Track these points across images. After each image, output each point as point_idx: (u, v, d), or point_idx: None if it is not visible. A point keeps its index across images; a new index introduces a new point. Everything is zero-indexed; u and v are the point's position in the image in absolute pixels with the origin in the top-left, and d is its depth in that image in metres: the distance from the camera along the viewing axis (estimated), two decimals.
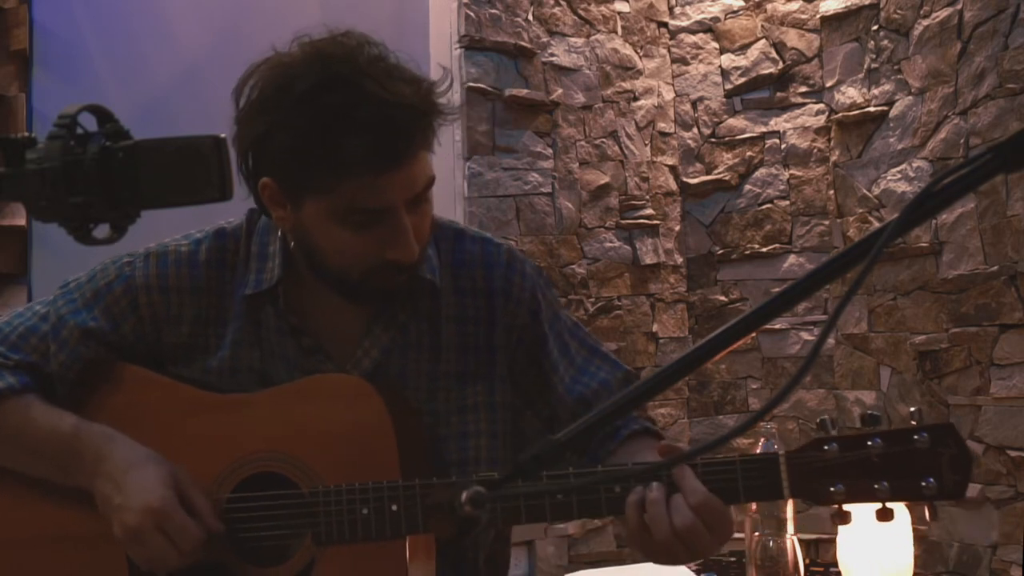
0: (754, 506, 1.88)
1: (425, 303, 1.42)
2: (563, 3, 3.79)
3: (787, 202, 3.98)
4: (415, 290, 1.41)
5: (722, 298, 4.04)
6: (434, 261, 1.43)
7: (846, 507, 1.17)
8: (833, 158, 3.87)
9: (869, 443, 1.15)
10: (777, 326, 3.89)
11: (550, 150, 3.70)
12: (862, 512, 1.19)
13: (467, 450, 1.41)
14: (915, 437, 1.14)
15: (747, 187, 4.03)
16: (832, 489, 1.16)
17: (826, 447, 1.17)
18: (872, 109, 3.70)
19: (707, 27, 4.10)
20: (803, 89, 3.95)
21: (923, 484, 1.14)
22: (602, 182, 3.84)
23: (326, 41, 1.28)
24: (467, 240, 1.47)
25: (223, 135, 0.83)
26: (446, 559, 1.36)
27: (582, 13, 3.84)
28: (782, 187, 3.98)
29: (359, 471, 1.29)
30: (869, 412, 1.19)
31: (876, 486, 1.15)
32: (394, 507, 1.27)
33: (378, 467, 1.29)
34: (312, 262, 1.35)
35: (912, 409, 1.19)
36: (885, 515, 1.16)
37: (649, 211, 3.96)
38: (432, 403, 1.41)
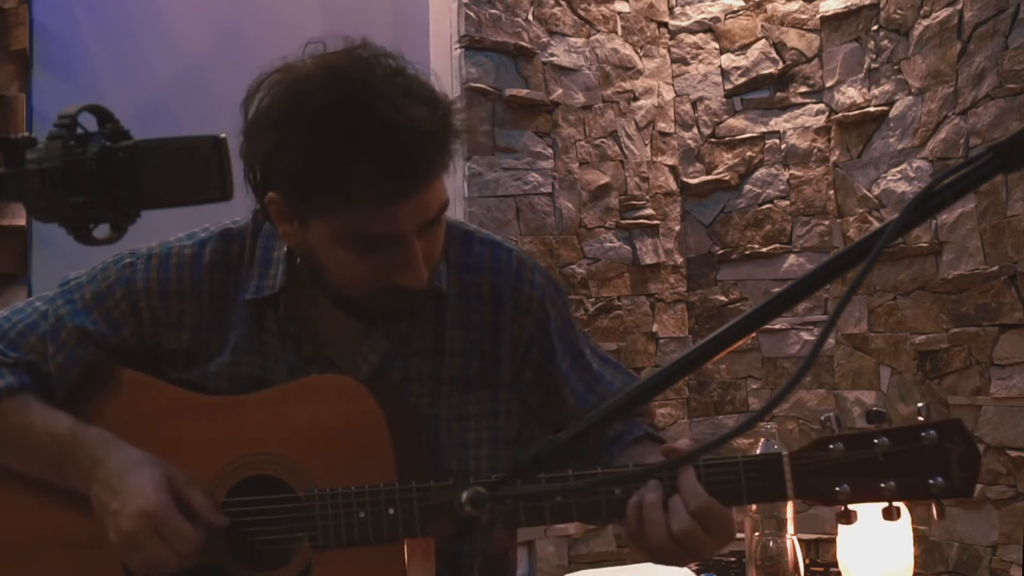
0: (754, 506, 1.87)
1: (430, 308, 1.38)
2: (563, 3, 3.78)
3: (787, 202, 3.98)
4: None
5: (722, 298, 4.04)
6: (441, 266, 1.38)
7: (851, 507, 1.14)
8: (833, 158, 3.87)
9: (875, 441, 1.12)
10: (777, 326, 3.89)
11: (550, 150, 3.70)
12: (865, 511, 1.17)
13: (467, 460, 1.39)
14: (922, 434, 1.11)
15: (747, 187, 4.03)
16: (837, 489, 1.13)
17: (831, 446, 1.13)
18: (872, 109, 3.70)
19: (707, 27, 4.10)
20: (803, 89, 3.95)
21: (931, 482, 1.10)
22: (602, 182, 3.84)
23: (341, 55, 1.21)
24: (476, 243, 1.43)
25: (223, 135, 0.82)
26: (446, 562, 1.36)
27: (582, 13, 3.83)
28: (782, 187, 3.98)
29: (353, 471, 1.28)
30: (874, 409, 1.15)
31: (882, 485, 1.12)
32: (391, 510, 1.25)
33: (373, 466, 1.27)
34: (316, 278, 1.31)
35: (919, 405, 1.14)
36: (892, 514, 1.13)
37: (649, 211, 3.96)
38: (434, 408, 1.39)
